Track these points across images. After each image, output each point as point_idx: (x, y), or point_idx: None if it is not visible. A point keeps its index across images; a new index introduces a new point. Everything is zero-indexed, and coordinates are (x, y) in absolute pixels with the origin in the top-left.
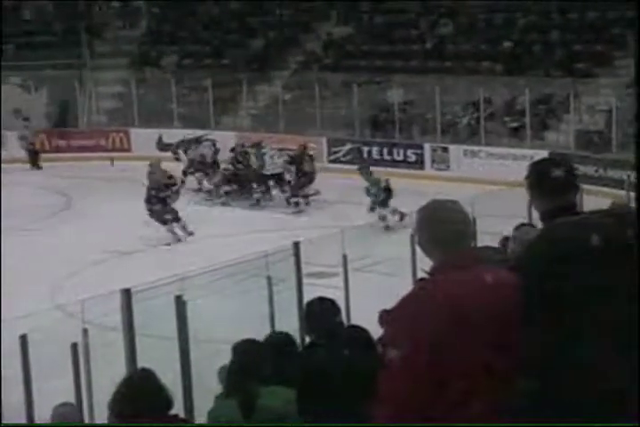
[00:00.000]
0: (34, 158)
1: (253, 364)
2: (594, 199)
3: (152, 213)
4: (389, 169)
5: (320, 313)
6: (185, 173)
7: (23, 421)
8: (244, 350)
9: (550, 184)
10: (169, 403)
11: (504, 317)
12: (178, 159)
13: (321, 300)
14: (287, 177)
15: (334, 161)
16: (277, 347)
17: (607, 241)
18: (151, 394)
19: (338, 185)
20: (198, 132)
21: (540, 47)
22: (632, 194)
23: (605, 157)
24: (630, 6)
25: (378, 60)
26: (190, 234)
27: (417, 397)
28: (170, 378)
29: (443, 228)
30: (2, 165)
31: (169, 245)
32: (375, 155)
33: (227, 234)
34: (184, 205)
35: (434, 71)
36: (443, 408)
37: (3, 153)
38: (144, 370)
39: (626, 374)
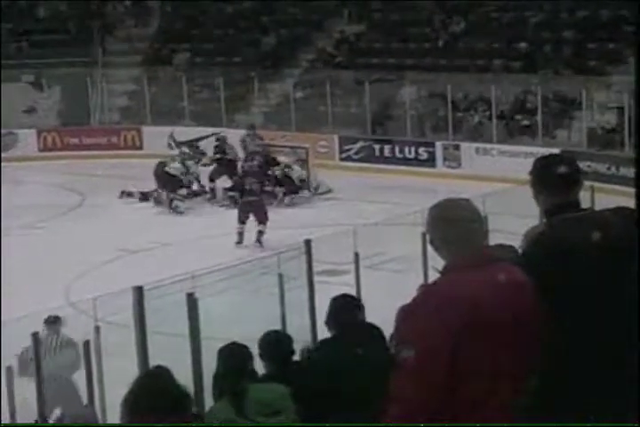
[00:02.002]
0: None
1: (239, 364)
2: (605, 197)
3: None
4: (401, 167)
5: (341, 310)
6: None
7: (35, 418)
8: (229, 353)
9: (555, 180)
10: (187, 402)
11: (518, 316)
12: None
13: (344, 297)
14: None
15: (346, 159)
16: (271, 346)
17: (609, 238)
18: (168, 392)
19: (349, 183)
20: (210, 130)
21: (551, 45)
22: None
23: (617, 154)
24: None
25: (390, 57)
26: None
27: (430, 397)
28: (182, 376)
29: (455, 226)
30: (14, 163)
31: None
32: (387, 152)
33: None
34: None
35: (446, 69)
36: (456, 408)
37: (14, 151)
38: (159, 367)
39: (627, 370)
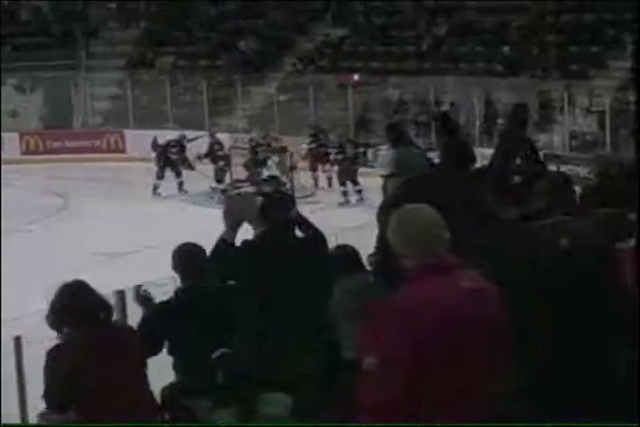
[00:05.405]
0: None
1: (245, 372)
2: None
3: None
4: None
5: (276, 206)
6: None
7: (17, 422)
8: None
9: (510, 190)
10: (108, 310)
11: (483, 321)
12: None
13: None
14: None
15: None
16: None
17: (577, 243)
18: (88, 301)
19: (332, 186)
20: (194, 134)
21: (535, 49)
22: None
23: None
24: (625, 8)
25: (373, 61)
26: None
27: (396, 403)
28: (168, 379)
29: (417, 233)
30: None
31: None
32: (369, 156)
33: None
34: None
35: (429, 72)
36: (424, 411)
37: None
38: (76, 280)
39: (609, 372)
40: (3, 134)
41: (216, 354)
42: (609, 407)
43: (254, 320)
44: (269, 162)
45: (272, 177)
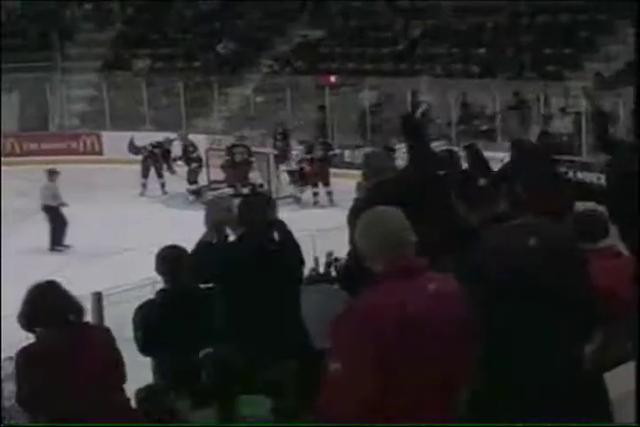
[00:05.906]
0: None
1: (230, 374)
2: None
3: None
4: (358, 171)
5: (254, 207)
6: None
7: None
8: (217, 360)
9: (477, 193)
10: (79, 310)
11: (448, 324)
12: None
13: (257, 194)
14: None
15: None
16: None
17: (545, 243)
18: (58, 301)
19: (308, 187)
20: (172, 135)
21: (510, 50)
22: None
23: (575, 159)
24: (600, 9)
25: (349, 62)
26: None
27: (358, 408)
28: (144, 382)
29: (387, 235)
30: None
31: None
32: (347, 157)
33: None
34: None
35: (405, 74)
36: (389, 414)
37: None
38: (47, 280)
39: (563, 375)
40: None
41: (201, 354)
42: (578, 406)
43: (235, 321)
44: (293, 153)
45: (293, 171)
